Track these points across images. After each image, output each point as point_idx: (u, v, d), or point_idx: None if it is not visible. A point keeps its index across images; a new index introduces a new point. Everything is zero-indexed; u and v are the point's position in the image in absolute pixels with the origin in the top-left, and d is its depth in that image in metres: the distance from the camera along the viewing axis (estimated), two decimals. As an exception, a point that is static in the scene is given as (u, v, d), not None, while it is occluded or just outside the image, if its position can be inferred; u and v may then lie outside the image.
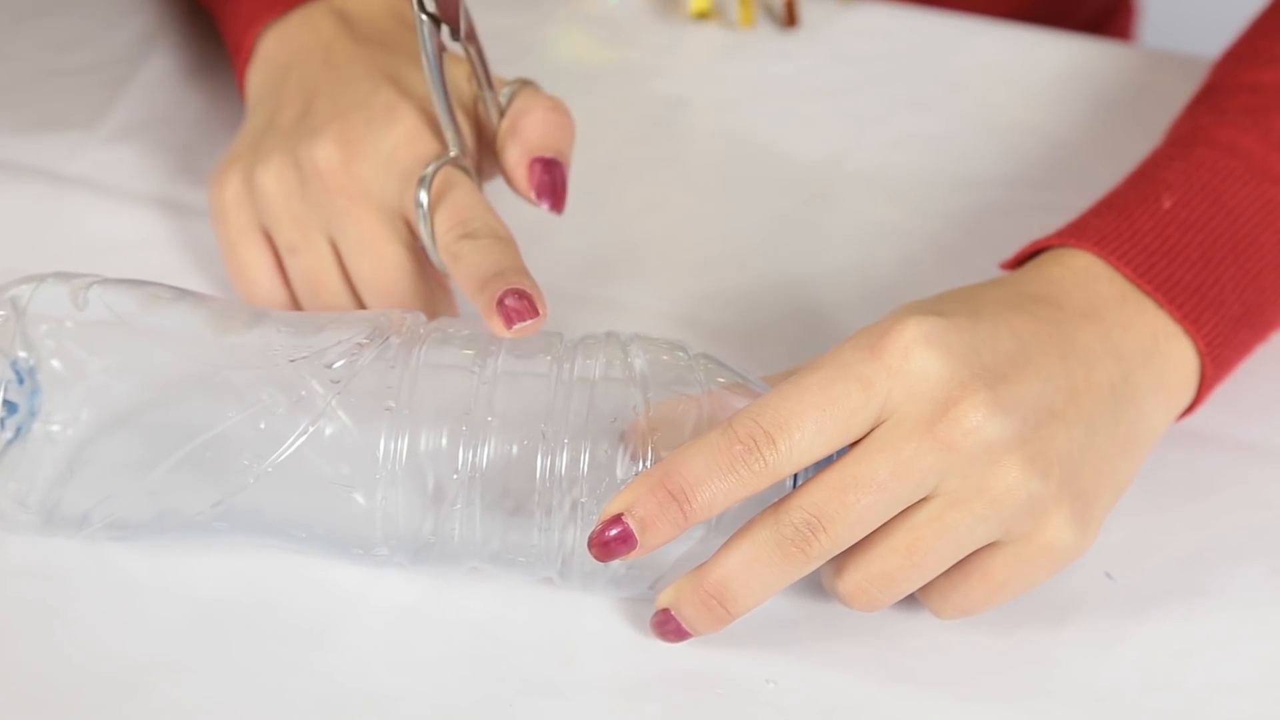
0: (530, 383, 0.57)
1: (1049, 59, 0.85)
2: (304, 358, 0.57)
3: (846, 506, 0.54)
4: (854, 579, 0.56)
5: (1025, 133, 0.81)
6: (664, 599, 0.57)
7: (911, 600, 0.60)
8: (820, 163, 0.80)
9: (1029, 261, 0.63)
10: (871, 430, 0.55)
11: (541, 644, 0.59)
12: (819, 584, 0.60)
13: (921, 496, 0.55)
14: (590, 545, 0.55)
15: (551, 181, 0.64)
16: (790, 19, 0.85)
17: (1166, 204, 0.63)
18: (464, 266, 0.60)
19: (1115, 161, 0.70)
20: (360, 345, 0.58)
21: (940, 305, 0.58)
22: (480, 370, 0.58)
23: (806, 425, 0.54)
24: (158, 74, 0.81)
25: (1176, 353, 0.60)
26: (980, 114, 0.82)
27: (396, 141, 0.64)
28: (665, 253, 0.75)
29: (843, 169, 0.79)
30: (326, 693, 0.57)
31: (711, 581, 0.56)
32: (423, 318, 0.60)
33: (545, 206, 0.64)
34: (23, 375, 0.57)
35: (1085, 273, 0.61)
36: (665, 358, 0.59)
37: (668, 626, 0.57)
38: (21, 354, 0.57)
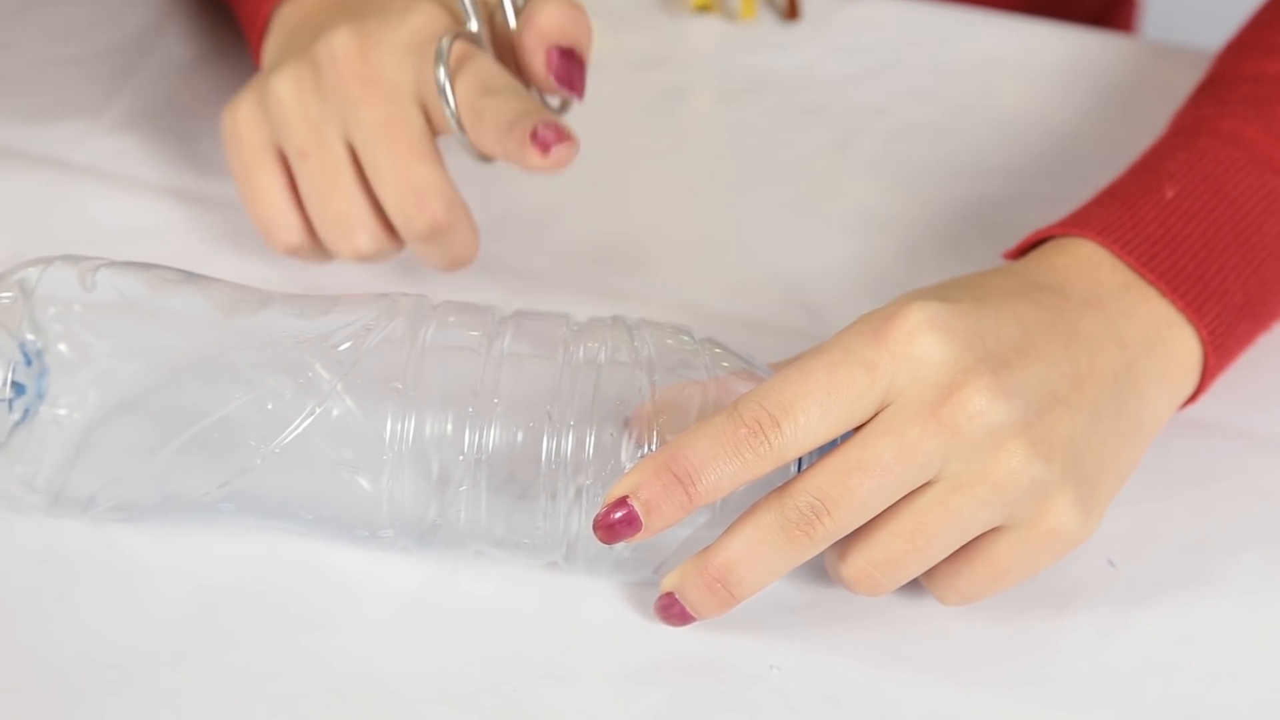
0: (536, 366, 0.58)
1: (1051, 51, 0.86)
2: (310, 340, 0.58)
3: (850, 490, 0.54)
4: (858, 563, 0.56)
5: (1027, 124, 0.81)
6: (668, 583, 0.57)
7: (915, 587, 0.60)
8: (822, 153, 0.80)
9: (1032, 251, 0.63)
10: (876, 414, 0.55)
11: (546, 629, 0.59)
12: (823, 570, 0.60)
13: (925, 481, 0.55)
14: (595, 528, 0.55)
15: (569, 69, 0.64)
16: (792, 11, 0.85)
17: (1169, 194, 0.63)
18: (489, 118, 0.60)
19: (1117, 153, 0.70)
20: (366, 327, 0.58)
21: (944, 292, 0.58)
22: (486, 353, 0.58)
23: (811, 409, 0.54)
24: (164, 62, 0.81)
25: (1179, 341, 0.60)
26: (982, 105, 0.82)
27: (414, 28, 0.64)
28: (668, 242, 0.75)
29: (845, 159, 0.79)
30: (330, 678, 0.58)
31: (716, 565, 0.56)
32: (428, 301, 0.60)
33: (564, 92, 0.64)
34: (30, 357, 0.57)
35: (1088, 261, 0.61)
36: (671, 342, 0.59)
37: (672, 610, 0.57)
38: (29, 336, 0.57)
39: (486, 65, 0.63)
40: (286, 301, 0.59)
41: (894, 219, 0.76)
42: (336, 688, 0.57)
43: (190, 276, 0.60)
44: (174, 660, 0.58)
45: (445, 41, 0.61)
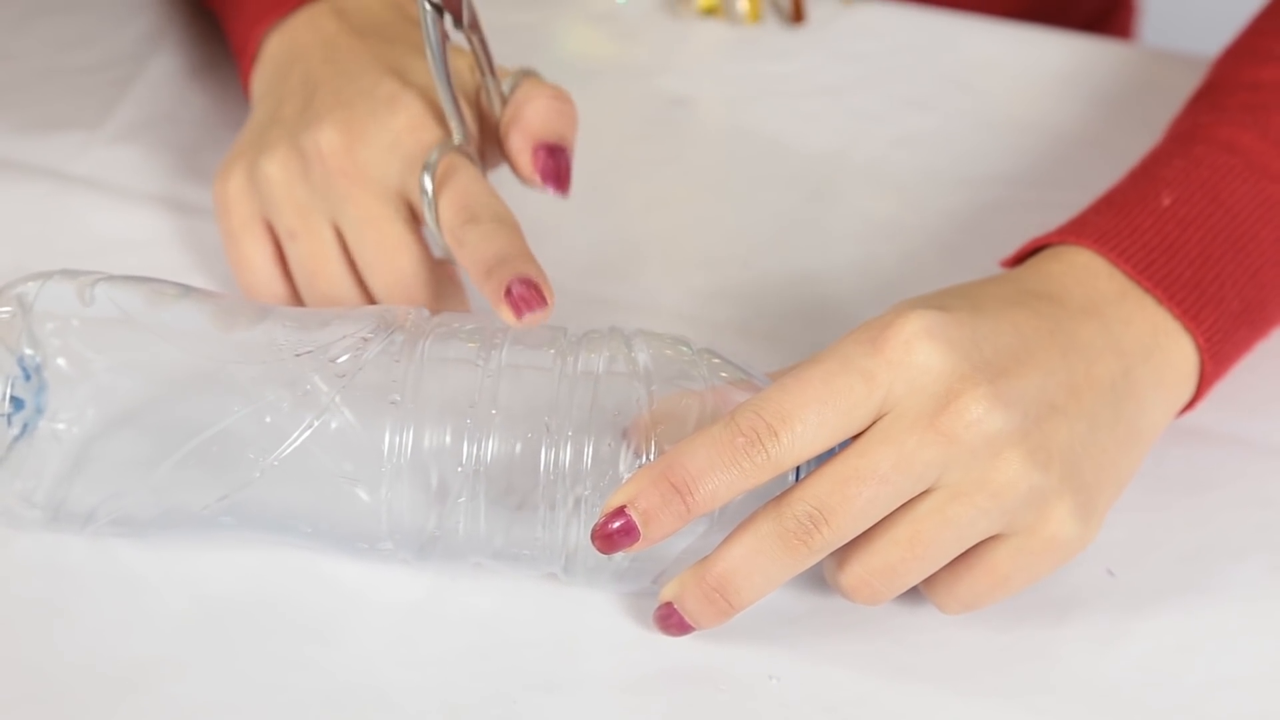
0: (534, 377, 0.58)
1: (1049, 57, 0.86)
2: (308, 353, 0.58)
3: (848, 499, 0.54)
4: (856, 572, 0.56)
5: (1026, 130, 0.81)
6: (667, 592, 0.57)
7: (914, 596, 0.60)
8: (822, 160, 0.80)
9: (1029, 259, 0.63)
10: (873, 423, 0.55)
11: (545, 640, 0.59)
12: (821, 579, 0.60)
13: (923, 489, 0.55)
14: (593, 538, 0.55)
15: (555, 166, 0.64)
16: (797, 14, 0.85)
17: (1166, 201, 0.63)
18: (469, 252, 0.61)
19: (1115, 159, 0.70)
20: (364, 340, 0.58)
21: (941, 300, 0.58)
22: (484, 364, 0.58)
23: (808, 418, 0.54)
24: (163, 73, 0.81)
25: (1176, 349, 0.60)
26: (981, 112, 0.82)
27: (400, 128, 0.64)
28: (668, 250, 0.75)
29: (845, 166, 0.79)
30: (330, 689, 0.58)
31: (714, 575, 0.56)
32: (426, 313, 0.60)
33: (550, 190, 0.64)
34: (29, 372, 0.57)
35: (1085, 269, 0.61)
36: (669, 353, 0.59)
37: (671, 620, 0.58)
38: (28, 351, 0.57)
39: (471, 184, 0.63)
40: (284, 314, 0.59)
41: (894, 226, 0.76)
42: (338, 699, 0.57)
43: (188, 290, 0.60)
44: (176, 672, 0.58)
45: (434, 155, 0.62)
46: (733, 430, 0.54)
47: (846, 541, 0.55)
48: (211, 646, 0.59)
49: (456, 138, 0.63)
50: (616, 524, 0.55)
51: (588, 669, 0.59)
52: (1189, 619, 0.61)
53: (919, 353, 0.55)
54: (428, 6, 0.60)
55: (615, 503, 0.55)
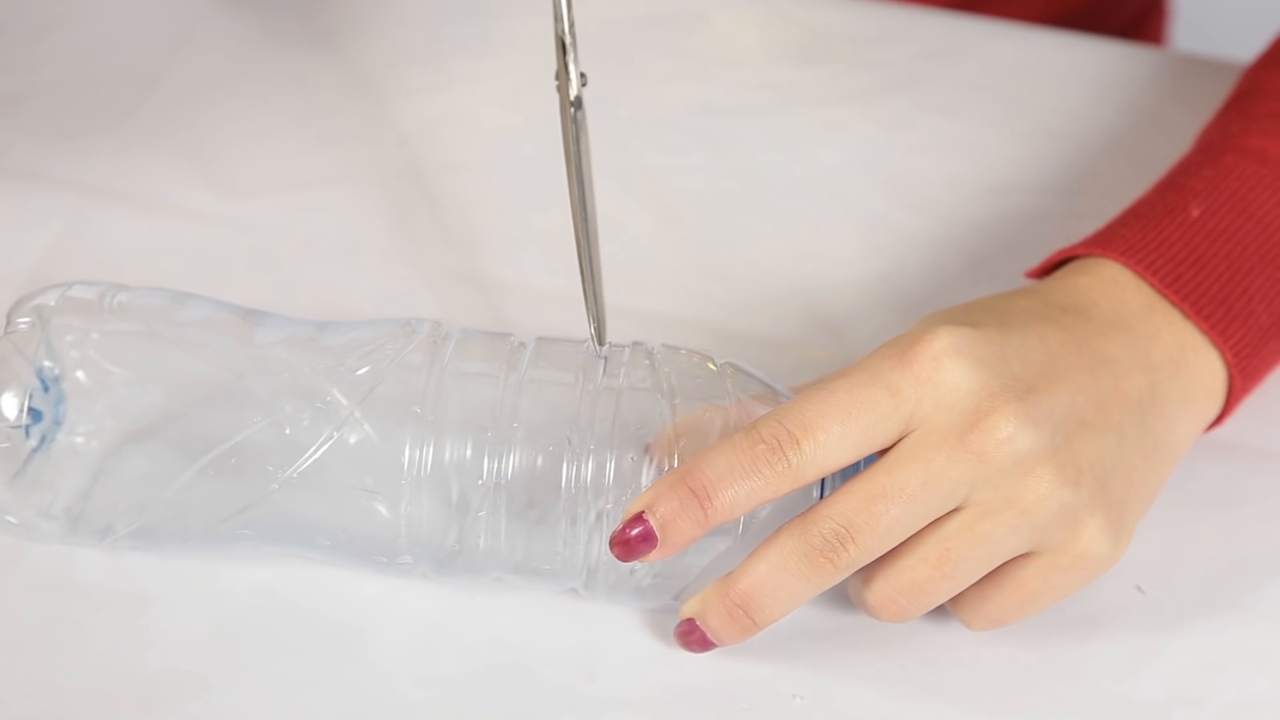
0: (556, 391, 0.57)
1: (1078, 63, 0.85)
2: (328, 365, 0.57)
3: (876, 517, 0.54)
4: (883, 590, 0.56)
5: (1054, 138, 0.81)
6: (689, 608, 0.57)
7: (940, 614, 0.59)
8: (847, 168, 0.79)
9: (1056, 271, 0.62)
10: (899, 440, 0.55)
11: (566, 659, 0.59)
12: (845, 597, 0.60)
13: (951, 508, 0.55)
14: (612, 545, 0.54)
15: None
16: None
17: (1194, 213, 0.62)
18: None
19: (1145, 167, 0.70)
20: (385, 353, 0.58)
21: (969, 315, 0.57)
22: (506, 378, 0.57)
23: (831, 428, 0.54)
24: (182, 83, 0.81)
25: (1204, 364, 0.60)
26: (1008, 119, 0.82)
27: None
28: (690, 261, 0.74)
29: (869, 175, 0.79)
30: (350, 706, 0.57)
31: (738, 591, 0.55)
32: (447, 326, 0.60)
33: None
34: (48, 383, 0.57)
35: (1113, 282, 0.60)
36: (692, 367, 0.58)
37: (692, 636, 0.57)
38: (46, 363, 0.57)
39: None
40: (304, 326, 0.59)
41: (919, 236, 0.76)
42: (357, 715, 0.57)
43: (207, 301, 0.60)
44: (193, 689, 0.57)
45: None
46: (754, 438, 0.54)
47: (872, 559, 0.55)
48: (229, 664, 0.58)
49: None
50: (635, 530, 0.54)
51: (608, 688, 0.58)
52: (1219, 638, 0.60)
53: (947, 369, 0.55)
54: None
55: (634, 509, 0.55)
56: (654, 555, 0.54)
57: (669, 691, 0.58)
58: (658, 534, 0.54)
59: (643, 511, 0.54)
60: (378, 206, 0.76)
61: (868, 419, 0.54)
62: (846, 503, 0.54)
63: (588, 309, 0.59)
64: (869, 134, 0.81)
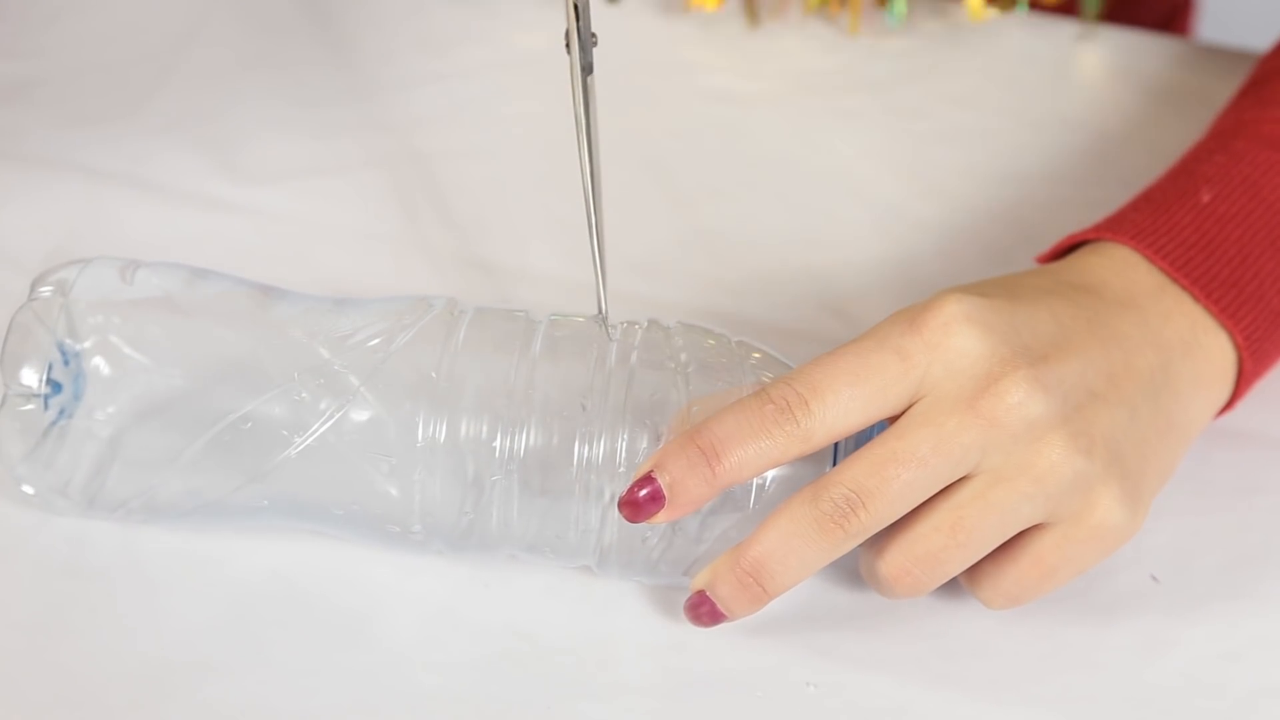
0: (571, 367, 0.57)
1: (1092, 52, 0.84)
2: (341, 337, 0.57)
3: (886, 481, 0.54)
4: (897, 560, 0.55)
5: (1069, 127, 0.80)
6: (700, 580, 0.57)
7: (953, 602, 0.59)
8: (862, 157, 0.79)
9: (1066, 255, 0.62)
10: (910, 406, 0.55)
11: (579, 646, 0.59)
12: (859, 585, 0.59)
13: (962, 474, 0.55)
14: (621, 505, 0.55)
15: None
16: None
17: (1205, 198, 0.62)
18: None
19: (1160, 156, 0.69)
20: (400, 327, 0.58)
21: (980, 288, 0.58)
22: (520, 353, 0.57)
23: (840, 391, 0.54)
24: (197, 69, 0.81)
25: (1215, 346, 0.60)
26: (1022, 108, 0.81)
27: None
28: (704, 246, 0.74)
29: (884, 163, 0.79)
30: (361, 691, 0.57)
31: (749, 559, 0.55)
32: (460, 301, 0.60)
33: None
34: (68, 356, 0.57)
35: (1124, 263, 0.60)
36: (707, 344, 0.58)
37: (702, 609, 0.57)
38: (67, 338, 0.57)
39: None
40: (318, 302, 0.59)
41: (932, 224, 0.75)
42: (369, 702, 0.57)
43: (225, 277, 0.60)
44: (205, 674, 0.57)
45: None
46: (763, 399, 0.54)
47: (883, 526, 0.55)
48: (241, 649, 0.58)
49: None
50: (644, 491, 0.54)
51: (622, 676, 0.58)
52: (1234, 627, 0.60)
53: (957, 335, 0.55)
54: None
55: (644, 469, 0.55)
56: (662, 516, 0.54)
57: (681, 678, 0.58)
58: (666, 494, 0.54)
59: (651, 471, 0.54)
60: (390, 193, 0.76)
61: (877, 383, 0.54)
62: (857, 468, 0.54)
63: (597, 278, 0.59)
64: (884, 123, 0.81)
